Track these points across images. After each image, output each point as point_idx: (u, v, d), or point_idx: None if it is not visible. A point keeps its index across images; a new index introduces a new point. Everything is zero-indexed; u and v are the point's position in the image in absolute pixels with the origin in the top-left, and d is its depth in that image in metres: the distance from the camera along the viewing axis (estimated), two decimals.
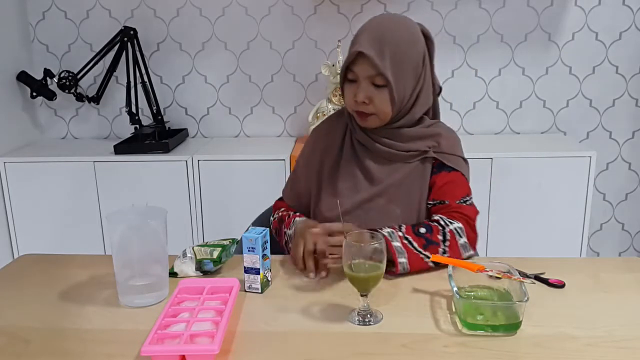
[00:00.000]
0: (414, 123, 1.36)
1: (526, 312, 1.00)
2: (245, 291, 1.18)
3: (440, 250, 1.23)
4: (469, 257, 1.28)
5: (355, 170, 1.37)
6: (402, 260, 1.20)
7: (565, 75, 2.55)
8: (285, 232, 1.38)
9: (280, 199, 1.53)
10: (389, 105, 1.29)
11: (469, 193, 1.35)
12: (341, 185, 1.37)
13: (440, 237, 1.24)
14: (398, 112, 1.31)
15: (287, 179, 1.53)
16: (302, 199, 1.45)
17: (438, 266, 1.23)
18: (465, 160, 1.39)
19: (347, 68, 1.29)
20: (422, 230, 1.25)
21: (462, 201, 1.33)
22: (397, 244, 1.21)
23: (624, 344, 0.97)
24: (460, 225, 1.27)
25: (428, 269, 1.24)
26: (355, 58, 1.26)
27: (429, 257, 1.22)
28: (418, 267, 1.22)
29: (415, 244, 1.22)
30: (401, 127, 1.34)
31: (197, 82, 2.66)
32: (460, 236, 1.26)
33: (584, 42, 2.50)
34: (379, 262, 1.03)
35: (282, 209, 1.47)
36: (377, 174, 1.35)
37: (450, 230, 1.26)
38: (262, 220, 1.57)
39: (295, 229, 1.34)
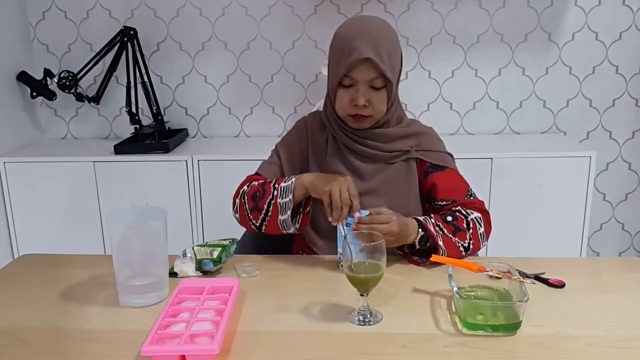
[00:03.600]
0: (395, 122, 1.38)
1: (526, 312, 1.00)
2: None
3: (468, 236, 1.28)
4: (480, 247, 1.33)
5: (342, 168, 1.38)
6: (441, 243, 1.24)
7: (565, 75, 2.55)
8: (276, 187, 1.31)
9: (253, 176, 1.47)
10: (385, 105, 1.32)
11: (469, 186, 1.40)
12: None
13: (465, 226, 1.29)
14: (389, 109, 1.34)
15: (262, 163, 1.50)
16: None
17: (467, 253, 1.28)
18: (449, 154, 1.42)
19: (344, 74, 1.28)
20: (449, 218, 1.29)
21: (468, 195, 1.38)
22: (432, 229, 1.25)
23: (624, 344, 0.97)
24: (479, 215, 1.33)
25: (460, 256, 1.27)
26: (355, 64, 1.26)
27: (459, 243, 1.26)
28: (453, 252, 1.25)
29: (445, 231, 1.26)
30: (383, 127, 1.36)
31: (197, 82, 2.66)
32: (480, 225, 1.32)
33: (584, 42, 2.50)
34: (379, 262, 1.03)
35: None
36: (364, 170, 1.37)
37: (472, 219, 1.31)
38: None
39: (317, 176, 1.29)
